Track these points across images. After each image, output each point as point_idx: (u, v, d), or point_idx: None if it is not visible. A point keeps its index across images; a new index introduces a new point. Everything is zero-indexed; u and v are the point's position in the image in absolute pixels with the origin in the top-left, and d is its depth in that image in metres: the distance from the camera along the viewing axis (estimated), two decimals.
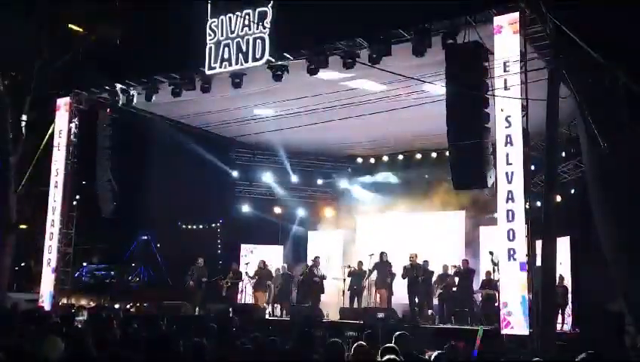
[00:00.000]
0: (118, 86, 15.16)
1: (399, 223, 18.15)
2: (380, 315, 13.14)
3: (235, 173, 20.52)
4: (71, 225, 16.05)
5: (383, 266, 15.43)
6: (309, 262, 16.89)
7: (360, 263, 16.13)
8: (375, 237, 17.84)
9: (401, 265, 15.26)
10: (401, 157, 19.30)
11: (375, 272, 15.52)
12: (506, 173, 10.44)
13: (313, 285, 16.01)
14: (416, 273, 14.79)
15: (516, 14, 10.57)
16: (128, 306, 17.01)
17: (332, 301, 16.13)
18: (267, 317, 15.68)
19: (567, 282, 14.37)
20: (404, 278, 15.03)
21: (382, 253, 15.52)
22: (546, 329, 9.70)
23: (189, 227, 20.04)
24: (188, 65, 13.88)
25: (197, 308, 15.90)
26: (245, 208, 20.56)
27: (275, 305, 16.80)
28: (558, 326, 12.97)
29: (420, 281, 14.66)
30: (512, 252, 10.28)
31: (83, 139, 16.09)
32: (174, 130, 17.19)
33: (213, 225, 20.40)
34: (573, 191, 15.25)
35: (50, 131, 16.24)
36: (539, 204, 12.11)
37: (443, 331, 12.24)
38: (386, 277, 15.34)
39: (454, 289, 14.81)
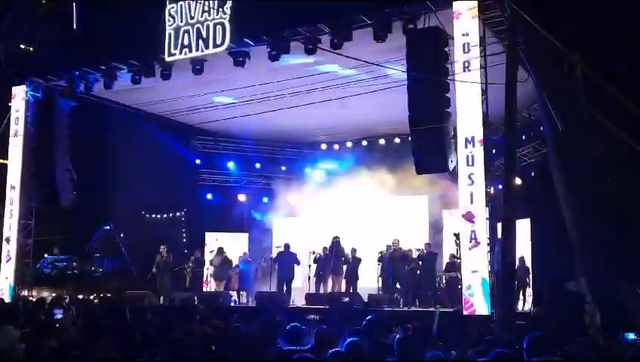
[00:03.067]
0: (76, 73, 14.94)
1: (364, 208, 18.36)
2: (345, 300, 13.31)
3: (198, 161, 20.46)
4: (30, 216, 15.86)
5: (339, 251, 15.77)
6: (279, 248, 16.98)
7: (325, 249, 16.30)
8: (341, 223, 18.00)
9: (367, 250, 15.57)
10: (365, 143, 19.51)
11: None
12: (467, 157, 10.67)
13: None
14: (394, 259, 15.05)
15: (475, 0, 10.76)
16: (92, 297, 16.89)
17: (298, 287, 16.32)
18: (233, 304, 15.75)
19: (528, 263, 14.72)
20: (379, 263, 15.33)
21: (334, 239, 15.88)
22: (505, 309, 9.94)
23: (153, 216, 19.92)
24: (147, 52, 13.74)
25: (161, 298, 15.88)
26: (209, 196, 20.54)
27: (242, 293, 16.90)
28: (520, 307, 13.35)
29: (408, 269, 14.84)
30: (473, 234, 10.53)
31: (41, 128, 15.84)
32: (136, 118, 17.04)
33: (178, 213, 20.28)
34: (533, 173, 15.56)
35: (5, 121, 15.97)
36: (500, 187, 12.34)
37: (406, 314, 12.44)
38: (340, 262, 15.65)
39: (418, 272, 15.05)
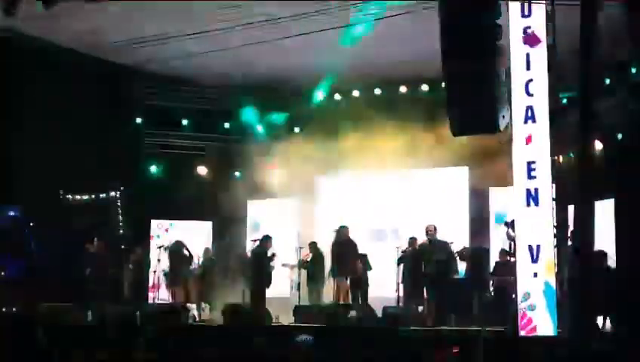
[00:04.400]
0: None
1: (376, 186, 18.44)
2: (352, 314, 13.33)
3: (139, 120, 20.30)
4: None
5: (345, 247, 15.77)
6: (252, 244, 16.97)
7: (313, 245, 16.54)
8: (343, 207, 18.13)
9: (381, 247, 15.95)
10: (378, 91, 19.31)
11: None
12: (527, 110, 10.64)
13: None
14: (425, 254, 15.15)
15: None
16: None
17: (282, 297, 16.49)
18: (193, 321, 15.88)
19: (612, 263, 14.65)
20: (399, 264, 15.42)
21: (340, 229, 15.88)
22: (580, 329, 9.91)
23: (77, 198, 19.79)
24: None
25: (90, 313, 15.83)
26: (156, 169, 20.42)
27: (204, 305, 16.99)
28: (599, 324, 13.29)
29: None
30: (533, 222, 10.54)
31: None
32: (48, 56, 16.83)
33: (112, 194, 20.18)
34: (620, 136, 15.45)
35: None
36: (571, 155, 12.26)
37: (438, 336, 12.41)
38: (347, 262, 15.69)
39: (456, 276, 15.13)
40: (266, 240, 16.49)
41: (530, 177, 10.67)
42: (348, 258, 15.86)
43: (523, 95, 10.70)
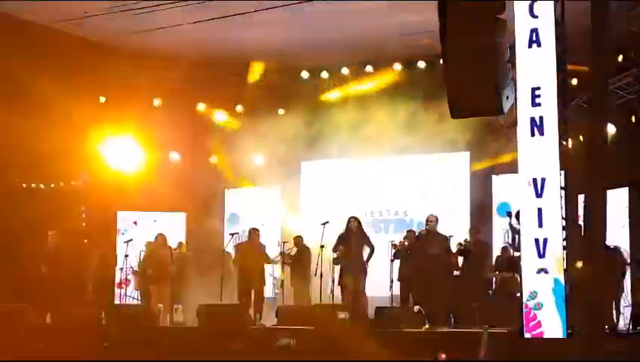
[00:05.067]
0: None
1: (369, 172, 18.75)
2: (342, 316, 13.47)
3: (103, 98, 20.28)
4: None
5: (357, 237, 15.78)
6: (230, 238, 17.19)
7: (299, 239, 16.71)
8: (332, 196, 18.45)
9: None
10: (370, 68, 19.45)
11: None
12: (532, 91, 10.72)
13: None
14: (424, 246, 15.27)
15: None
16: None
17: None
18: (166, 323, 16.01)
19: (626, 256, 14.84)
20: (394, 258, 15.61)
21: (351, 219, 15.90)
22: (591, 329, 10.12)
23: (33, 185, 19.88)
24: None
25: (49, 315, 16.01)
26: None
27: (177, 306, 17.07)
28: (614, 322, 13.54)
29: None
30: (539, 214, 10.63)
31: None
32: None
33: (73, 182, 20.25)
34: (633, 117, 15.70)
35: None
36: (581, 138, 12.49)
37: (438, 337, 12.56)
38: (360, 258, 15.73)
39: (456, 273, 15.37)
40: (253, 232, 16.72)
41: (537, 163, 10.63)
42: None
43: (528, 75, 10.80)
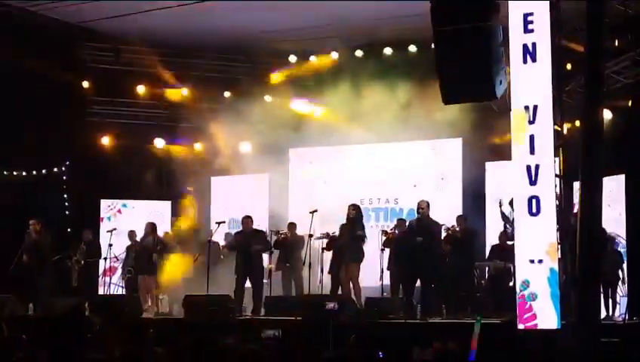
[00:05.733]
0: None
1: (357, 159, 18.66)
2: (330, 306, 13.39)
3: (86, 84, 20.14)
4: None
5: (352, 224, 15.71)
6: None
7: (292, 226, 16.64)
8: (321, 184, 18.33)
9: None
10: (359, 53, 19.39)
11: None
12: (526, 76, 10.59)
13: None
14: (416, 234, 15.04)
15: None
16: None
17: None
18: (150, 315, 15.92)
19: (622, 246, 14.83)
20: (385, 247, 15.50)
21: (350, 207, 15.79)
22: (586, 319, 10.00)
23: (14, 173, 19.76)
24: None
25: (31, 306, 15.90)
26: (107, 141, 20.40)
27: (162, 296, 17.12)
28: (605, 313, 13.50)
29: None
30: (534, 201, 10.51)
31: None
32: None
33: (55, 169, 20.16)
34: (630, 102, 15.53)
35: None
36: (577, 123, 12.33)
37: (429, 328, 12.55)
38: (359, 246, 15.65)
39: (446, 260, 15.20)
40: (246, 220, 16.47)
41: (532, 152, 10.53)
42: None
43: (522, 58, 10.64)
